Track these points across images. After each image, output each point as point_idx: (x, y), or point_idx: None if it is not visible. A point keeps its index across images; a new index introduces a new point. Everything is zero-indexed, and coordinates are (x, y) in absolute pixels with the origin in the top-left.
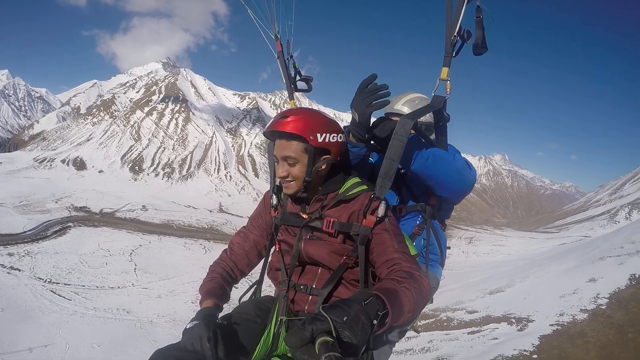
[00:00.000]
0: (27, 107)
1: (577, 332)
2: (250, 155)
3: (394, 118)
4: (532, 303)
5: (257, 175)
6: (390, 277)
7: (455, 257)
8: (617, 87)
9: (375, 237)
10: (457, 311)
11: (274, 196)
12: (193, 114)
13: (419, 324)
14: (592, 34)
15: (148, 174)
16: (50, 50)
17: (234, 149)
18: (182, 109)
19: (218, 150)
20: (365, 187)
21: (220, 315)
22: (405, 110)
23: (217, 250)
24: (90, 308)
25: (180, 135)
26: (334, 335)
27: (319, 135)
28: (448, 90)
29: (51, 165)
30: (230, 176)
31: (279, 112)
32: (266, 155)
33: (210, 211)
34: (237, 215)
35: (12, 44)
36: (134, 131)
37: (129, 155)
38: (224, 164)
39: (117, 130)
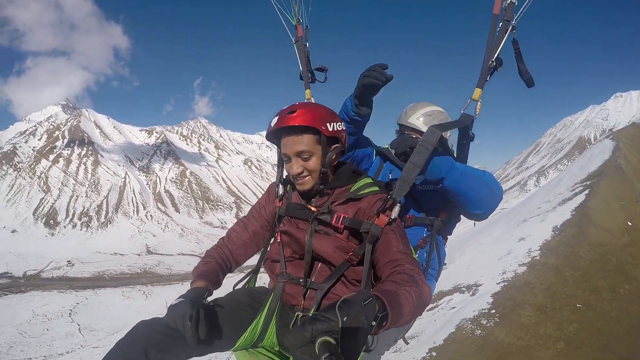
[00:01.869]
0: None
1: (522, 282)
2: (167, 191)
3: (407, 132)
4: (475, 271)
5: (177, 210)
6: (391, 278)
7: None
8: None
9: (382, 237)
10: None
11: (280, 186)
12: (101, 155)
13: None
14: None
15: (65, 227)
16: None
17: (149, 186)
18: (90, 152)
19: (133, 191)
20: (377, 188)
21: (210, 299)
22: (420, 124)
23: (157, 294)
24: None
25: (91, 181)
26: (335, 335)
27: (329, 124)
28: (478, 110)
29: None
30: (151, 215)
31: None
32: (183, 189)
33: (139, 255)
34: (167, 254)
35: None
36: (42, 182)
37: (40, 209)
38: (142, 204)
39: (23, 184)
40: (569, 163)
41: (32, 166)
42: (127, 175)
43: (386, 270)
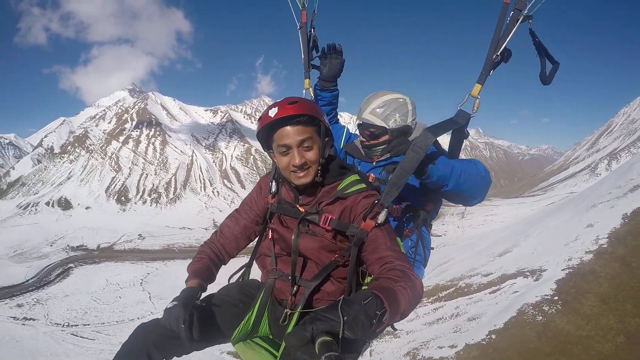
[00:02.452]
0: None
1: (587, 270)
2: (233, 168)
3: (366, 131)
4: (540, 255)
5: (243, 186)
6: (385, 275)
7: (452, 233)
8: (578, 44)
9: (369, 235)
10: (473, 277)
11: (274, 182)
12: (169, 136)
13: (440, 295)
14: None
15: (135, 203)
16: (11, 94)
17: (215, 164)
18: (157, 132)
19: (200, 168)
20: (363, 185)
21: (205, 294)
22: (375, 119)
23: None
24: (116, 344)
25: (160, 159)
26: (337, 335)
27: (324, 117)
28: (476, 108)
29: (36, 209)
30: (218, 192)
31: (261, 115)
32: (248, 166)
33: (206, 229)
34: None
35: None
36: (113, 162)
37: (112, 187)
38: (209, 180)
39: (96, 164)
40: None
41: (103, 148)
42: (194, 154)
43: (376, 267)
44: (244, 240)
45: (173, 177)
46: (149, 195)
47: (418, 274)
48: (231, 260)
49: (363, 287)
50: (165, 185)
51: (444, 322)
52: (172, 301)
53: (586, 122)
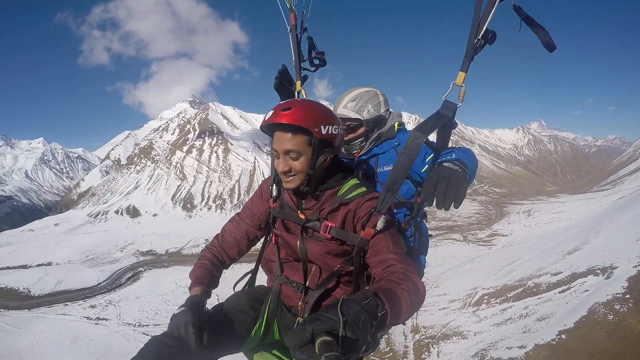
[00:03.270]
0: (67, 169)
1: None
2: None
3: (343, 125)
4: (611, 253)
5: None
6: (388, 277)
7: (519, 233)
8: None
9: (370, 241)
10: (542, 276)
11: (275, 186)
12: (231, 144)
13: (508, 295)
14: None
15: (201, 209)
16: (78, 111)
17: None
18: (220, 141)
19: (263, 174)
20: (364, 189)
21: (212, 302)
22: (348, 112)
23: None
24: None
25: (223, 167)
26: (338, 335)
27: (322, 127)
28: (461, 98)
29: (106, 217)
30: None
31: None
32: None
33: None
34: None
35: (41, 111)
36: (178, 171)
37: (178, 194)
38: None
39: (161, 174)
40: None
41: (168, 158)
42: (256, 160)
43: (378, 270)
44: (245, 244)
45: (237, 184)
46: (214, 201)
47: (420, 263)
48: (234, 265)
49: None
50: (229, 192)
51: (512, 322)
52: (179, 307)
53: None
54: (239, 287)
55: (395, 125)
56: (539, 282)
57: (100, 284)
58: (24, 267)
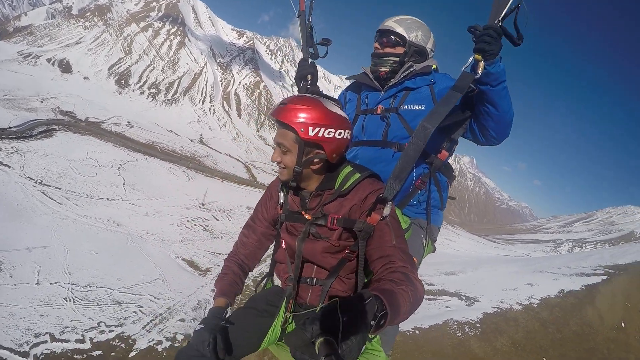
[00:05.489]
0: None
1: (511, 317)
2: (236, 94)
3: (385, 38)
4: (479, 288)
5: (239, 115)
6: (387, 277)
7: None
8: (598, 129)
9: (376, 231)
10: None
11: (282, 194)
12: (189, 40)
13: None
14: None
15: (133, 90)
16: None
17: (222, 83)
18: (179, 32)
19: (206, 82)
20: (358, 175)
21: (234, 307)
22: (395, 26)
23: (199, 181)
24: (81, 215)
25: (172, 59)
26: (338, 335)
27: (310, 128)
28: (480, 70)
29: (36, 62)
30: (214, 110)
31: (274, 57)
32: (252, 98)
33: (192, 140)
34: (216, 150)
35: None
36: (126, 44)
37: (117, 67)
38: (210, 96)
39: (108, 39)
40: (608, 247)
41: (121, 27)
42: (205, 66)
43: (379, 265)
44: (263, 247)
45: (178, 80)
46: (149, 88)
47: (437, 219)
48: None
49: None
50: (167, 85)
51: None
52: (200, 324)
53: (571, 204)
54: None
55: (434, 65)
56: None
57: (11, 127)
58: None
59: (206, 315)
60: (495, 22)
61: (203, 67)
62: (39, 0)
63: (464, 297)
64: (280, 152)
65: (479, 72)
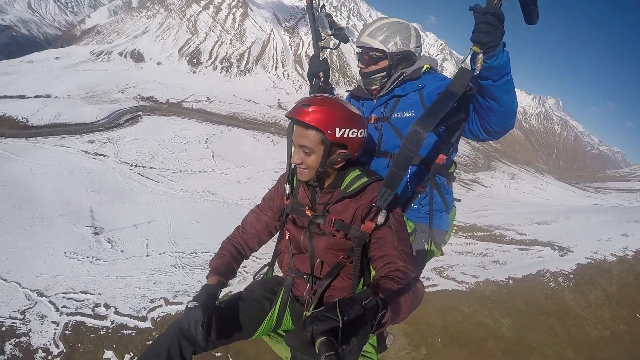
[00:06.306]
0: (73, 3)
1: (605, 268)
2: (307, 55)
3: (365, 55)
4: (573, 238)
5: None
6: (388, 276)
7: (497, 189)
8: None
9: (375, 232)
10: (508, 231)
11: (287, 185)
12: (251, 9)
13: (475, 234)
14: None
15: (206, 67)
16: None
17: (291, 47)
18: (240, 4)
19: (276, 48)
20: (365, 179)
21: (231, 291)
22: (370, 41)
23: (283, 144)
24: (178, 189)
25: (238, 31)
26: (338, 334)
27: (337, 129)
28: (479, 65)
29: (109, 58)
30: (288, 74)
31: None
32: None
33: (270, 107)
34: None
35: None
36: (191, 25)
37: (186, 48)
38: (282, 62)
39: (173, 24)
40: None
41: (183, 9)
42: (272, 32)
43: (379, 264)
44: (266, 235)
45: (247, 51)
46: (221, 62)
47: (440, 223)
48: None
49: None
50: (238, 57)
51: (472, 256)
52: (192, 301)
53: None
54: (259, 278)
55: (424, 67)
56: (504, 234)
57: (99, 121)
58: (22, 97)
59: (199, 292)
60: (495, 2)
61: (270, 34)
62: (98, 1)
63: (557, 247)
64: (301, 154)
65: (478, 67)
